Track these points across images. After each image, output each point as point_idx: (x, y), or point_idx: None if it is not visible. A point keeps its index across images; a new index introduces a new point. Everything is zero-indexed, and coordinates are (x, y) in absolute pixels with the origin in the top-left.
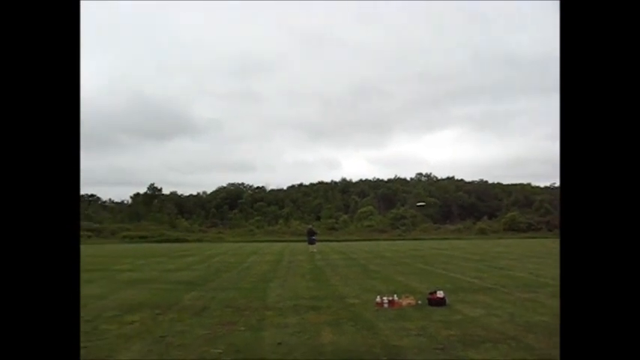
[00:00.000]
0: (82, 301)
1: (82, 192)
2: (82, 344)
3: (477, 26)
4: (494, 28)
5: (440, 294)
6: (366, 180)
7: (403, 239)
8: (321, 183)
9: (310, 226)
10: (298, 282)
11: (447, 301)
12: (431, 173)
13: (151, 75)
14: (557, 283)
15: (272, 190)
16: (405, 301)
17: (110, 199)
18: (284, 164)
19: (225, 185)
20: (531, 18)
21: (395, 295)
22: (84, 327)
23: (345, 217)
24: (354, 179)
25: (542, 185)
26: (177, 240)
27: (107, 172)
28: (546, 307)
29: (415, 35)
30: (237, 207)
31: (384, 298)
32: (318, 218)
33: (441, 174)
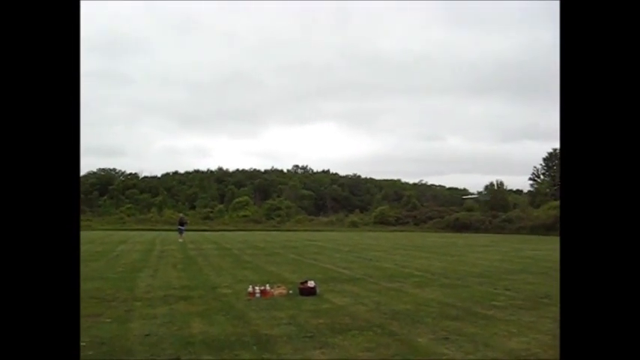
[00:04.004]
0: None
1: None
2: None
3: (343, 24)
4: (358, 26)
5: (311, 284)
6: (243, 170)
7: (278, 230)
8: (197, 172)
9: (181, 215)
10: (169, 272)
11: (318, 290)
12: (307, 166)
13: None
14: (421, 273)
15: (145, 178)
16: (276, 291)
17: None
18: (155, 151)
19: (95, 170)
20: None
21: (267, 285)
22: None
23: (221, 206)
24: (231, 169)
25: (410, 182)
26: None
27: None
28: (410, 296)
29: (280, 27)
30: (107, 193)
31: (256, 287)
32: (193, 207)
33: (316, 167)
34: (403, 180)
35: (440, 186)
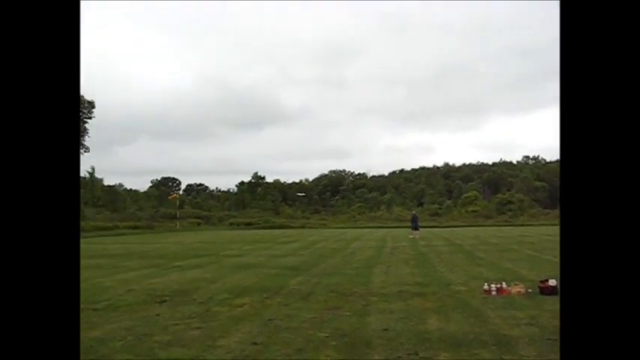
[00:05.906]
0: (196, 284)
1: (191, 181)
2: (195, 325)
3: None
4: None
5: (552, 282)
6: (470, 164)
7: (510, 225)
8: (422, 168)
9: (414, 213)
10: (402, 268)
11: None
12: (539, 156)
13: (238, 67)
14: None
15: (373, 177)
16: (514, 289)
17: (217, 188)
18: (379, 150)
19: (326, 172)
20: None
21: (503, 283)
22: (196, 309)
23: (449, 202)
24: (457, 164)
25: None
26: (281, 226)
27: (211, 161)
28: None
29: (493, 11)
30: (339, 193)
31: (492, 285)
32: (421, 204)
33: (549, 156)
34: None
35: None
